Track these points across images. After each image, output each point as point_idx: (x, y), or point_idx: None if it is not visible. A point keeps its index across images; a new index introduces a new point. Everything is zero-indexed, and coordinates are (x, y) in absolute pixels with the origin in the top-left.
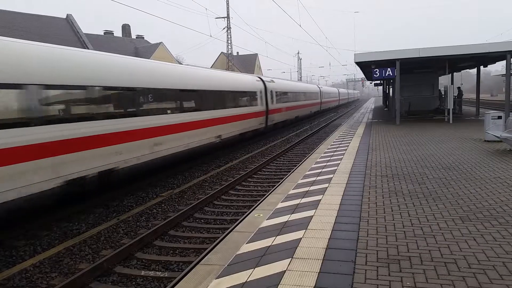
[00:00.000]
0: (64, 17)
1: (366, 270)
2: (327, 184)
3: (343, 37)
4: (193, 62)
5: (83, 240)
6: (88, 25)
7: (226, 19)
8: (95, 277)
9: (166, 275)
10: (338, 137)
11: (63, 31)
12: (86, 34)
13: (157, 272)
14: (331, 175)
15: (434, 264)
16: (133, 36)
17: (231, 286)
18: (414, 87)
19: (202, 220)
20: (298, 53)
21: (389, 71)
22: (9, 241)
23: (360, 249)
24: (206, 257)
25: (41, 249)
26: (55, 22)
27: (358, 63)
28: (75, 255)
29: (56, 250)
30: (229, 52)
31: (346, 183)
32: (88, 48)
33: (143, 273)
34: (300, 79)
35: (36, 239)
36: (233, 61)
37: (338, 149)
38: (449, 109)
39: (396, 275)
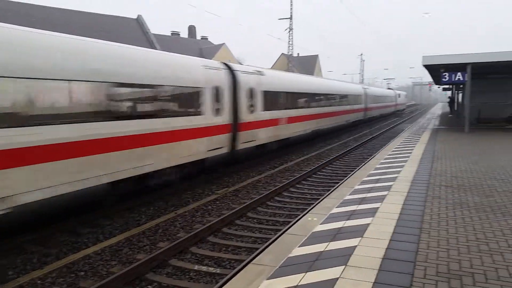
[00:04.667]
0: (135, 17)
1: (424, 283)
2: (387, 192)
3: (410, 39)
4: (253, 63)
5: (142, 231)
6: (155, 26)
7: (289, 20)
8: (151, 268)
9: (218, 271)
10: (400, 143)
11: (134, 31)
12: (154, 35)
13: (210, 268)
14: (391, 183)
15: (500, 284)
16: (198, 37)
17: None
18: (485, 93)
19: (255, 220)
20: (361, 54)
21: (459, 76)
22: (75, 228)
23: (419, 261)
24: (258, 257)
25: (103, 238)
26: (127, 22)
27: (426, 66)
28: (134, 245)
29: (116, 240)
30: (290, 53)
31: (407, 192)
32: (156, 48)
33: (196, 267)
34: (362, 82)
35: (99, 227)
36: (293, 63)
37: (399, 155)
38: None
39: None
